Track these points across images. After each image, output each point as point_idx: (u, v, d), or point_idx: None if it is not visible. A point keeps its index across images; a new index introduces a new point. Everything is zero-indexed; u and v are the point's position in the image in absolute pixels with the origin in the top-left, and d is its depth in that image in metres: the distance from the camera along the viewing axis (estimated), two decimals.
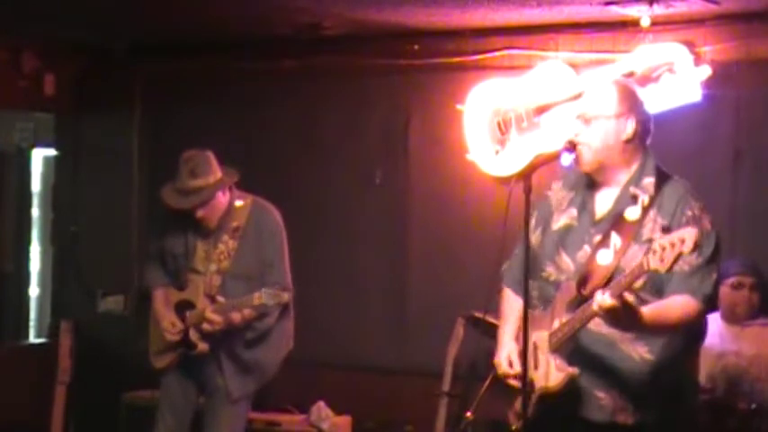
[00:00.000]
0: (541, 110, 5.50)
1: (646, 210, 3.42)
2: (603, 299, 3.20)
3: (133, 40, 6.57)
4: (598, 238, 3.51)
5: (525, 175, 4.70)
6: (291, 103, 6.43)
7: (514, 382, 3.59)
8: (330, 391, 6.03)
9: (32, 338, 7.93)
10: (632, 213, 3.44)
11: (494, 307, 5.21)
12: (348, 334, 6.18)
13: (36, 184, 8.00)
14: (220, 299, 4.80)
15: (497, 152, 5.61)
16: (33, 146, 8.01)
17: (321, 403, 5.95)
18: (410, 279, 6.09)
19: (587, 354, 3.46)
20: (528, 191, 4.54)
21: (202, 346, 4.82)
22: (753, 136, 5.27)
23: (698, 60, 5.20)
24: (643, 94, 3.66)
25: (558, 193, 3.75)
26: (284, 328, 5.01)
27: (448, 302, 5.74)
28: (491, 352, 5.43)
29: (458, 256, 5.92)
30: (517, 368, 3.56)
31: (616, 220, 3.48)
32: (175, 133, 6.44)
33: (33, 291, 7.99)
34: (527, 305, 4.38)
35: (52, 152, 7.45)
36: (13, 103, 6.90)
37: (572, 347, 3.46)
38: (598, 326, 3.41)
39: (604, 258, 3.44)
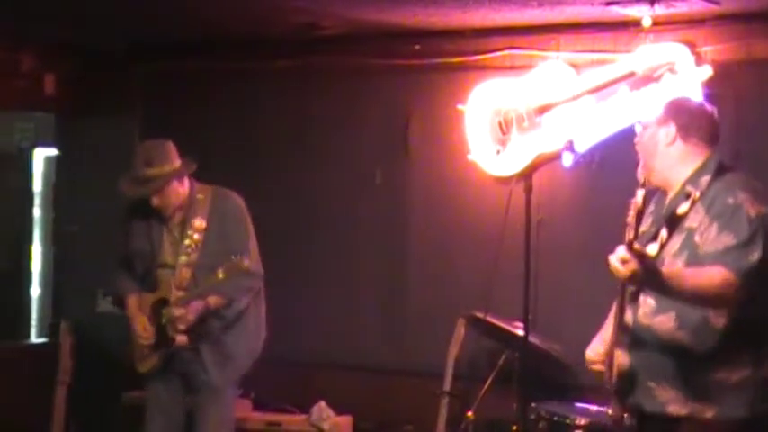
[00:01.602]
0: (543, 110, 5.50)
1: (694, 203, 3.54)
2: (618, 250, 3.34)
3: (133, 39, 6.56)
4: (651, 234, 3.64)
5: (526, 175, 4.73)
6: (291, 103, 6.42)
7: (598, 368, 3.74)
8: (331, 391, 6.02)
9: (33, 338, 7.92)
10: (683, 208, 3.56)
11: (493, 307, 5.24)
12: (348, 334, 6.18)
13: (37, 184, 8.00)
14: (180, 293, 4.80)
15: (498, 152, 5.61)
16: (34, 146, 8.01)
17: (322, 403, 5.94)
18: (410, 279, 6.09)
19: (640, 344, 3.57)
20: (529, 190, 4.57)
21: (180, 339, 4.81)
22: (752, 136, 5.26)
23: (699, 60, 5.21)
24: (683, 97, 3.89)
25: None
26: (258, 315, 5.00)
27: (448, 302, 5.73)
28: (492, 352, 5.48)
29: (458, 256, 5.92)
30: (600, 357, 3.73)
31: (669, 217, 3.60)
32: (176, 133, 6.38)
33: (34, 290, 7.99)
34: (527, 307, 4.44)
35: (53, 152, 7.44)
36: (13, 104, 6.90)
37: (629, 340, 3.58)
38: (649, 317, 3.53)
39: (651, 251, 3.52)
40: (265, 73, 6.43)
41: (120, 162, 6.67)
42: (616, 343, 3.61)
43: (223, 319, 4.85)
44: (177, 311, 4.76)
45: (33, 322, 8.01)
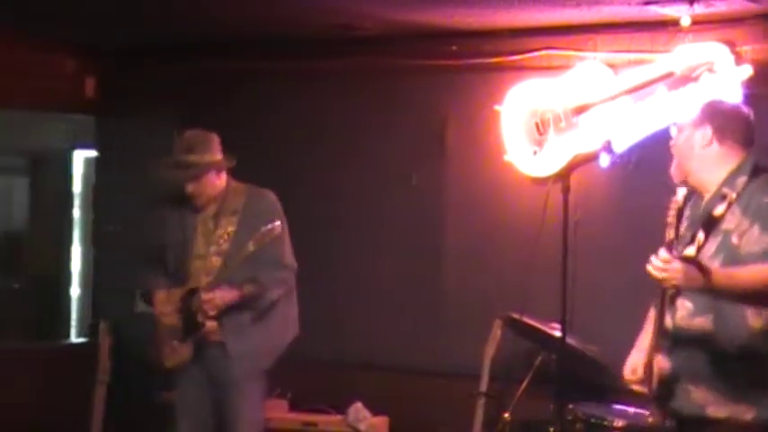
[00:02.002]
0: (580, 110, 5.47)
1: (730, 205, 3.55)
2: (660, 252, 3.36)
3: (173, 41, 6.60)
4: (688, 238, 3.64)
5: (563, 176, 4.71)
6: (327, 104, 6.43)
7: (637, 388, 3.75)
8: (367, 391, 6.03)
9: (73, 338, 8.00)
10: (719, 210, 3.57)
11: (530, 308, 5.22)
12: (385, 335, 6.17)
13: (77, 186, 8.07)
14: (209, 278, 4.83)
15: (535, 153, 5.59)
16: (74, 147, 8.09)
17: (358, 404, 5.95)
18: (447, 280, 6.07)
19: (679, 348, 3.58)
20: (566, 191, 4.56)
21: (210, 324, 4.84)
22: None
23: (738, 60, 5.15)
24: (718, 99, 3.90)
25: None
26: (286, 312, 5.01)
27: (484, 303, 5.72)
28: (528, 353, 5.46)
29: (494, 257, 5.90)
30: (638, 375, 3.72)
31: (705, 220, 3.60)
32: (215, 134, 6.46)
33: (74, 291, 8.06)
34: (564, 307, 4.42)
35: (92, 153, 7.50)
36: (54, 106, 6.96)
37: (668, 344, 3.59)
38: (687, 319, 3.54)
39: (689, 254, 3.54)
40: (302, 74, 6.44)
41: (157, 164, 6.73)
42: (656, 348, 3.59)
43: (254, 310, 4.88)
44: (206, 295, 4.79)
45: (73, 322, 8.09)
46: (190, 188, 4.88)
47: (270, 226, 4.74)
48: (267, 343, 4.94)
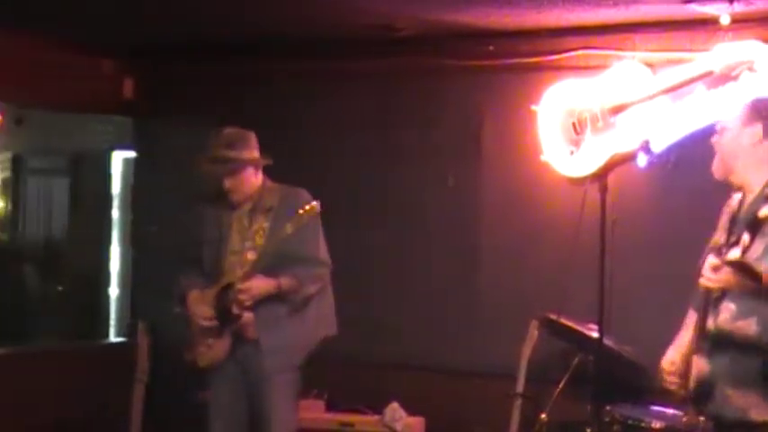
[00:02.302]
0: (617, 110, 5.45)
1: None
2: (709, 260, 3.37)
3: (210, 42, 6.63)
4: (733, 240, 3.61)
5: (600, 176, 4.69)
6: (365, 104, 6.44)
7: (672, 380, 3.76)
8: (404, 392, 6.02)
9: (112, 338, 8.06)
10: (764, 211, 3.53)
11: (567, 308, 5.20)
12: (421, 335, 6.17)
13: (116, 186, 8.13)
14: (245, 268, 4.86)
15: (572, 153, 5.58)
16: (113, 148, 8.15)
17: (395, 404, 5.95)
18: (483, 280, 6.06)
19: (721, 350, 3.56)
20: (603, 191, 4.54)
21: (247, 315, 4.86)
22: None
23: None
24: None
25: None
26: (320, 309, 5.02)
27: (520, 303, 5.70)
28: (565, 353, 5.44)
29: (531, 257, 5.88)
30: (676, 366, 3.75)
31: (750, 221, 3.56)
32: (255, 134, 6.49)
33: (113, 291, 8.12)
34: (602, 308, 4.39)
35: (131, 154, 7.55)
36: (93, 107, 7.02)
37: (709, 346, 3.58)
38: (730, 322, 3.52)
39: (734, 256, 3.50)
40: (339, 74, 6.45)
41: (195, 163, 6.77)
42: (696, 350, 3.57)
43: (289, 304, 4.90)
44: (242, 285, 4.82)
45: (112, 322, 8.14)
46: (227, 184, 4.92)
47: (307, 206, 4.76)
48: (300, 338, 4.95)
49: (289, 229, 4.75)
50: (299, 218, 4.74)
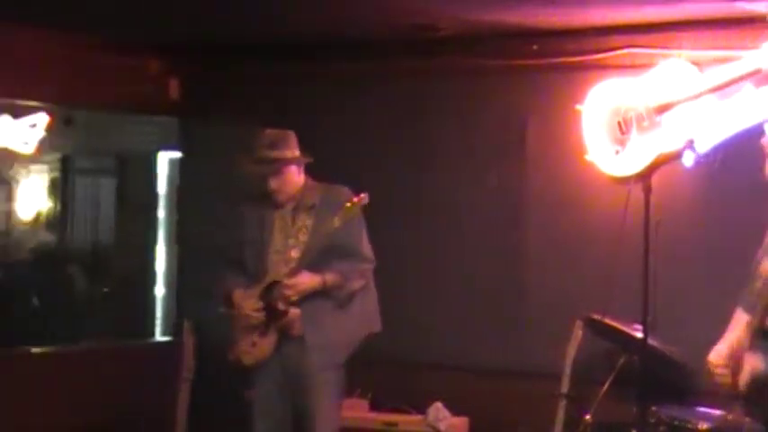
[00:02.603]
0: (663, 109, 5.41)
1: None
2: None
3: (256, 43, 6.67)
4: None
5: (645, 175, 4.66)
6: (408, 104, 6.44)
7: (721, 372, 3.76)
8: (447, 392, 6.02)
9: (158, 337, 8.12)
10: None
11: (612, 308, 5.17)
12: (465, 335, 6.16)
13: (161, 186, 8.19)
14: (291, 264, 4.89)
15: (617, 152, 5.54)
16: (159, 149, 8.21)
17: (438, 404, 5.94)
18: (527, 280, 6.04)
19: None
20: (648, 191, 4.51)
21: (294, 311, 4.88)
22: None
23: None
24: None
25: None
26: (363, 306, 5.03)
27: (565, 303, 5.67)
28: (610, 354, 5.41)
29: (575, 257, 5.86)
30: (723, 359, 3.75)
31: None
32: (297, 134, 6.51)
33: (159, 290, 8.18)
34: (646, 308, 4.37)
35: (177, 155, 7.61)
36: (140, 108, 7.08)
37: (765, 344, 3.61)
38: None
39: None
40: (382, 74, 6.46)
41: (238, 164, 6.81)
42: (752, 347, 3.53)
43: (334, 301, 4.92)
44: (289, 281, 4.84)
45: (158, 321, 8.21)
46: (273, 184, 4.95)
47: (355, 199, 4.77)
48: (345, 335, 4.97)
49: (336, 222, 4.78)
50: (348, 211, 4.77)
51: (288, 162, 4.96)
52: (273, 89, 6.81)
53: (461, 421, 5.99)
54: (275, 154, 4.95)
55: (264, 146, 4.97)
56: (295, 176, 5.00)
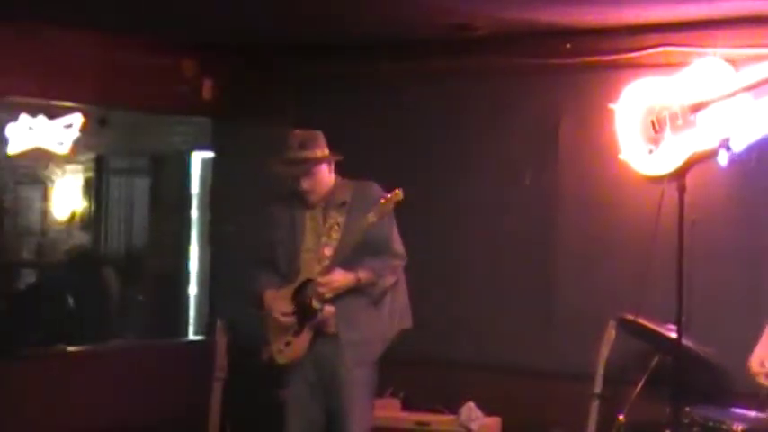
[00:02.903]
0: (698, 107, 5.38)
1: None
2: None
3: (286, 44, 6.69)
4: None
5: (679, 175, 4.64)
6: (441, 103, 6.44)
7: (764, 381, 3.83)
8: (480, 391, 6.00)
9: (191, 336, 8.16)
10: None
11: (645, 308, 5.14)
12: (498, 335, 6.14)
13: (195, 186, 8.24)
14: (324, 262, 4.89)
15: (651, 151, 5.51)
16: (192, 149, 8.25)
17: (471, 404, 5.93)
18: (560, 280, 6.02)
19: None
20: (682, 190, 4.49)
21: (328, 309, 4.89)
22: None
23: None
24: None
25: None
26: (393, 303, 5.02)
27: (598, 303, 5.65)
28: (643, 354, 5.38)
29: (609, 257, 5.82)
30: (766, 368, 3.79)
31: None
32: (328, 135, 6.52)
33: (192, 290, 8.22)
34: (681, 309, 4.34)
35: (210, 155, 7.64)
36: (173, 108, 7.11)
37: None
38: None
39: None
40: (416, 74, 6.46)
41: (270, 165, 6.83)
42: None
43: (368, 297, 4.92)
44: (323, 279, 4.85)
45: (191, 320, 8.25)
46: (305, 185, 4.96)
47: (390, 194, 4.79)
48: (378, 332, 4.97)
49: (372, 218, 4.78)
50: (383, 206, 4.78)
51: (318, 161, 4.97)
52: (307, 90, 6.83)
53: (494, 421, 5.97)
54: (306, 154, 4.96)
55: (295, 146, 4.98)
56: (326, 175, 5.01)
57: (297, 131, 5.05)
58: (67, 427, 6.18)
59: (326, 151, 5.02)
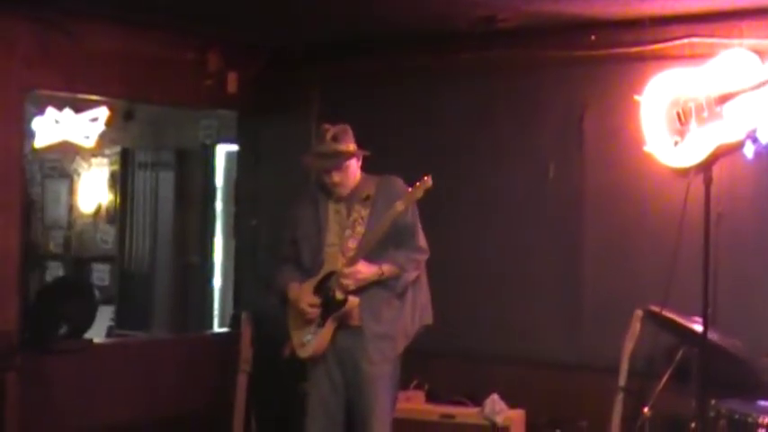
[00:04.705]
0: (724, 99, 5.34)
1: None
2: None
3: (310, 39, 6.69)
4: None
5: (705, 167, 4.62)
6: (466, 97, 6.43)
7: None
8: (504, 384, 6.00)
9: (216, 328, 8.20)
10: None
11: (671, 301, 5.12)
12: (523, 328, 6.14)
13: (219, 179, 8.27)
14: (349, 253, 4.90)
15: (676, 143, 5.49)
16: (217, 142, 8.28)
17: (495, 396, 5.92)
18: (585, 272, 6.00)
19: None
20: (708, 182, 4.47)
21: (352, 300, 4.90)
22: None
23: None
24: None
25: None
26: (416, 299, 5.02)
27: (623, 296, 5.63)
28: (669, 347, 5.35)
29: (634, 250, 5.80)
30: None
31: None
32: (353, 129, 6.54)
33: (216, 282, 8.25)
34: (706, 301, 4.32)
35: (234, 148, 7.66)
36: (198, 102, 7.13)
37: None
38: None
39: None
40: (442, 68, 6.45)
41: (296, 158, 6.86)
42: None
43: (391, 290, 4.93)
44: (347, 270, 4.86)
45: (216, 313, 8.29)
46: (336, 177, 4.97)
47: (418, 183, 4.79)
48: (401, 326, 4.97)
49: (400, 206, 4.79)
50: (412, 195, 4.79)
51: (350, 155, 4.99)
52: (330, 85, 6.83)
53: (518, 414, 5.96)
54: (339, 147, 4.97)
55: (327, 139, 4.99)
56: (355, 169, 5.03)
57: (327, 125, 5.06)
58: (94, 419, 6.23)
59: (355, 146, 5.04)
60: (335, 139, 4.98)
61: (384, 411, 4.98)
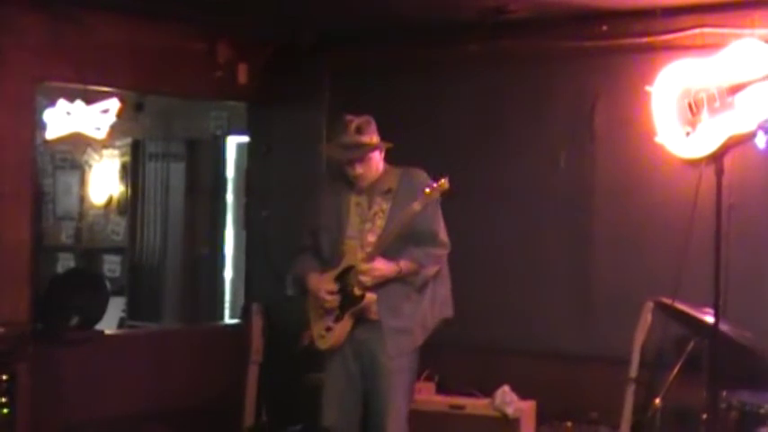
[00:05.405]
0: (735, 89, 5.32)
1: None
2: None
3: (320, 30, 6.68)
4: None
5: (717, 158, 4.60)
6: (476, 87, 6.42)
7: None
8: (515, 375, 5.99)
9: (227, 319, 8.21)
10: None
11: (682, 293, 5.11)
12: (534, 319, 6.14)
13: (230, 171, 8.27)
14: (368, 249, 4.89)
15: (688, 134, 5.47)
16: (227, 133, 8.29)
17: (506, 387, 5.92)
18: (596, 264, 5.99)
19: None
20: (720, 173, 4.45)
21: (369, 296, 4.89)
22: None
23: None
24: None
25: None
26: (435, 293, 5.02)
27: (634, 287, 5.62)
28: (679, 339, 5.34)
29: (645, 241, 5.79)
30: None
31: None
32: None
33: (227, 274, 8.26)
34: (718, 293, 4.30)
35: (245, 139, 7.66)
36: (209, 93, 7.14)
37: None
38: None
39: None
40: (451, 58, 6.43)
41: (307, 149, 6.88)
42: None
43: (410, 286, 4.92)
44: (364, 266, 4.85)
45: (226, 304, 8.30)
46: (359, 169, 4.95)
47: (435, 184, 4.78)
48: (420, 320, 4.97)
49: (417, 206, 4.78)
50: (429, 195, 4.77)
51: (374, 147, 4.97)
52: (342, 75, 6.82)
53: (529, 405, 5.96)
54: (363, 139, 4.94)
55: (351, 131, 4.96)
56: (378, 161, 5.01)
57: (350, 116, 5.04)
58: (105, 409, 6.25)
59: (378, 138, 5.02)
60: (359, 130, 4.95)
61: (400, 404, 4.98)
